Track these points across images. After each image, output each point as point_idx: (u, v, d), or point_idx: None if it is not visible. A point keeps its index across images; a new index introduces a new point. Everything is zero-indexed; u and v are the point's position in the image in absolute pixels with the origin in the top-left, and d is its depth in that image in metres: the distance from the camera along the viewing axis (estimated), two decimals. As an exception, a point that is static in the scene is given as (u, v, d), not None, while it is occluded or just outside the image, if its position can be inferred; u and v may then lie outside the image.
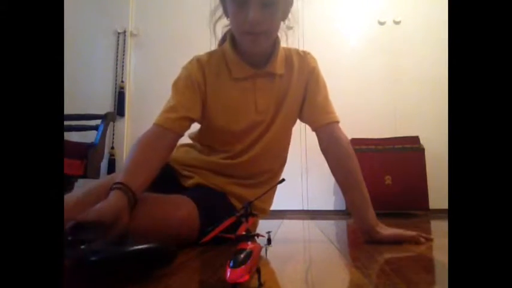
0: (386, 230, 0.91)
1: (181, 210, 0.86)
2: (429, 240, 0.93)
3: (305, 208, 2.66)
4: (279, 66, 0.99)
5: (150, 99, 2.85)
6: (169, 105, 0.94)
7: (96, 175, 2.50)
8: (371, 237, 0.90)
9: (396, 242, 0.89)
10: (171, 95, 0.97)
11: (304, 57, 1.06)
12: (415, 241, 0.89)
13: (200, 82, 0.97)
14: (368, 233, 0.91)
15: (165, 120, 0.91)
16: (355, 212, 0.95)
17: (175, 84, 0.98)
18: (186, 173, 1.03)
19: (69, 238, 0.57)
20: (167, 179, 1.00)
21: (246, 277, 0.37)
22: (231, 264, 0.38)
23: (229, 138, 1.01)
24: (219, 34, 1.06)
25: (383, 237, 0.89)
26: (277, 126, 1.01)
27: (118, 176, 0.79)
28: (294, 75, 1.02)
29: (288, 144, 1.12)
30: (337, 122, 1.04)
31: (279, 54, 1.00)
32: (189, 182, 1.01)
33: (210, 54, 1.02)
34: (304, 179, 2.70)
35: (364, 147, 2.44)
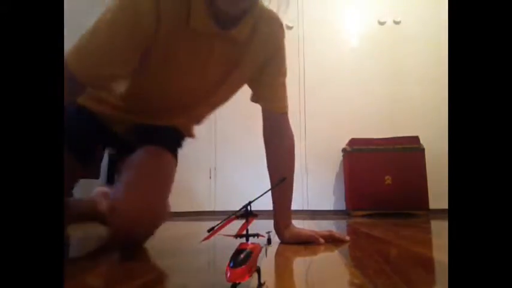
0: (291, 231, 0.92)
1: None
2: (340, 240, 0.92)
3: (305, 208, 2.66)
4: (245, 32, 0.82)
5: (150, 99, 2.85)
6: (91, 47, 0.69)
7: (96, 175, 2.50)
8: (279, 237, 0.93)
9: (296, 243, 0.89)
10: (97, 27, 0.69)
11: (273, 26, 0.89)
12: (313, 241, 0.89)
13: (151, 23, 0.71)
14: (277, 232, 0.93)
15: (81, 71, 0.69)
16: (275, 209, 0.95)
17: (113, 16, 0.68)
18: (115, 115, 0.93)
19: None
20: (94, 130, 0.93)
21: (246, 277, 0.37)
22: (231, 264, 0.38)
23: (158, 102, 0.90)
24: None
25: (284, 239, 0.91)
26: (217, 98, 0.94)
27: None
28: (256, 42, 0.85)
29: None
30: (286, 113, 0.96)
31: (250, 18, 0.83)
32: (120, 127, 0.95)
33: None
34: (304, 179, 2.70)
35: (364, 147, 2.44)
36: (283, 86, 0.95)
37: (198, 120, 1.05)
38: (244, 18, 0.80)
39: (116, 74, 0.75)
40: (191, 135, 1.07)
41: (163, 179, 0.88)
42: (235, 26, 0.80)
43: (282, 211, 0.94)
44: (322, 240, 0.89)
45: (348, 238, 0.94)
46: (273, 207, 0.95)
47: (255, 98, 0.95)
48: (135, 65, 0.76)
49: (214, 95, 0.92)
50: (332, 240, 0.92)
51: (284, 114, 0.96)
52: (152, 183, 0.84)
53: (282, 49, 0.92)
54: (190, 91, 0.88)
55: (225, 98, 0.97)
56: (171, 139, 1.00)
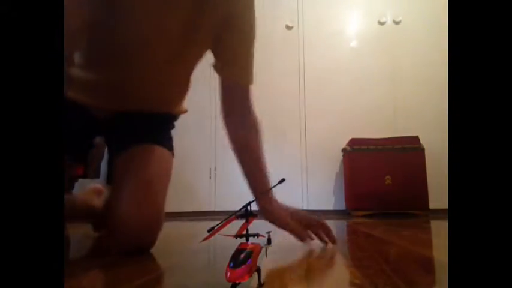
0: (271, 211, 0.86)
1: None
2: (328, 241, 0.85)
3: (305, 208, 2.66)
4: None
5: (150, 99, 2.85)
6: None
7: (96, 175, 2.49)
8: (264, 208, 0.86)
9: (282, 227, 0.86)
10: None
11: None
12: (298, 237, 0.86)
13: None
14: (261, 204, 0.86)
15: None
16: (248, 180, 0.90)
17: None
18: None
19: None
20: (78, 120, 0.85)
21: (246, 277, 0.37)
22: (231, 264, 0.38)
23: (122, 71, 0.84)
24: None
25: (264, 216, 0.85)
26: (181, 64, 0.86)
27: None
28: None
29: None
30: (248, 86, 0.89)
31: None
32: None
33: None
34: (304, 179, 2.70)
35: (364, 147, 2.44)
36: (249, 54, 0.87)
37: (172, 99, 0.97)
38: None
39: (73, 28, 0.67)
40: (182, 111, 1.00)
41: (165, 182, 0.86)
42: None
43: (256, 186, 0.88)
44: (305, 238, 0.85)
45: (334, 243, 0.86)
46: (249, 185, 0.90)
47: (216, 64, 0.87)
48: (86, 17, 0.69)
49: (177, 58, 0.84)
50: (317, 235, 0.87)
51: (247, 87, 0.89)
52: (156, 189, 0.83)
53: (250, 8, 0.86)
54: (150, 47, 0.81)
55: (190, 62, 0.89)
56: (163, 130, 0.95)
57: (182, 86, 0.95)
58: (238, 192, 3.03)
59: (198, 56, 0.89)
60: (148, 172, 0.83)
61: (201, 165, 2.78)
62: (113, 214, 0.80)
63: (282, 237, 0.93)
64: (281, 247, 0.85)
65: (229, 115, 0.91)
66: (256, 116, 0.91)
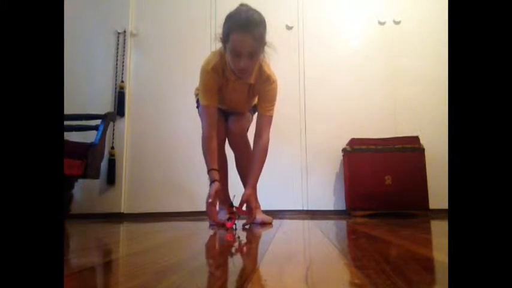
0: (247, 198, 1.62)
1: None
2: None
3: (305, 208, 2.66)
4: (251, 80, 1.68)
5: (150, 99, 2.85)
6: (201, 89, 1.71)
7: (96, 175, 2.49)
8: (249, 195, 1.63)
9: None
10: (204, 82, 1.69)
11: (265, 80, 1.72)
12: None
13: (221, 80, 1.70)
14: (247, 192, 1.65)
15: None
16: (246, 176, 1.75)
17: (206, 82, 1.72)
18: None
19: None
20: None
21: None
22: None
23: (228, 104, 1.83)
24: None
25: (242, 197, 1.64)
26: (247, 103, 1.87)
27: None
28: (257, 85, 1.72)
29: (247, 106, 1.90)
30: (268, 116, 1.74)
31: (253, 74, 1.69)
32: None
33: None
34: (304, 179, 2.70)
35: (364, 147, 2.44)
36: (271, 107, 1.74)
37: (247, 109, 1.89)
38: (250, 76, 1.65)
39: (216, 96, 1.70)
40: (250, 108, 1.90)
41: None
42: (247, 77, 1.65)
43: (249, 181, 1.66)
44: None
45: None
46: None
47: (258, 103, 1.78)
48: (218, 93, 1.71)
49: (246, 102, 1.82)
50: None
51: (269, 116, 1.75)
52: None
53: (272, 90, 1.71)
54: (236, 101, 1.78)
55: (251, 103, 1.85)
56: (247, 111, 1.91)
57: (249, 104, 1.86)
58: (237, 192, 3.02)
59: (253, 101, 1.84)
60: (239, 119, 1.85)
61: (200, 166, 2.77)
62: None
63: (282, 237, 0.94)
64: (280, 247, 0.85)
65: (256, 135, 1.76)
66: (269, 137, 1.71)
